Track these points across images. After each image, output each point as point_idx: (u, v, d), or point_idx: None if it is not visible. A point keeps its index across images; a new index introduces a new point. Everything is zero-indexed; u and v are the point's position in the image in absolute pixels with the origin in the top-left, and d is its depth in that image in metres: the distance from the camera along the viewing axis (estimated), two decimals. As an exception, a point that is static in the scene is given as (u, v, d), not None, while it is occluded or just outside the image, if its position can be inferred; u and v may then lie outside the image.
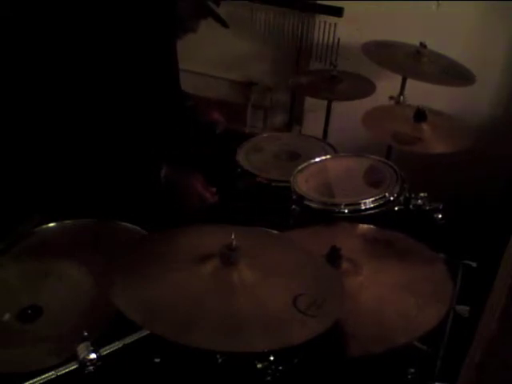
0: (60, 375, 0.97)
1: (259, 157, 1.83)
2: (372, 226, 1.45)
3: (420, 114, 1.75)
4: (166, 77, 1.73)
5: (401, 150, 1.74)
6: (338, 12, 2.37)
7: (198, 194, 1.57)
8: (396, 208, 1.49)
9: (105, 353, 1.00)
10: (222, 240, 1.05)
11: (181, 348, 0.92)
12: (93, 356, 0.98)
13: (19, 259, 1.27)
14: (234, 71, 2.77)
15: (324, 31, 2.47)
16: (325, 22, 2.45)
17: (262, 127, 2.78)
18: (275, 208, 1.59)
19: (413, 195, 1.52)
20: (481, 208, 2.22)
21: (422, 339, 1.23)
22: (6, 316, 1.12)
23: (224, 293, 1.01)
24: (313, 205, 1.49)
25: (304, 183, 1.56)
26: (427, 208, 1.51)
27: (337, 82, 2.17)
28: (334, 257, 1.26)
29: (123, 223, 1.38)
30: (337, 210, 1.46)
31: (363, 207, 1.45)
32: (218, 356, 1.13)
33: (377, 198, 1.47)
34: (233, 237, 1.04)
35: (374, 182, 1.55)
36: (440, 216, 1.50)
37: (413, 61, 2.04)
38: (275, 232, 1.31)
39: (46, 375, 0.97)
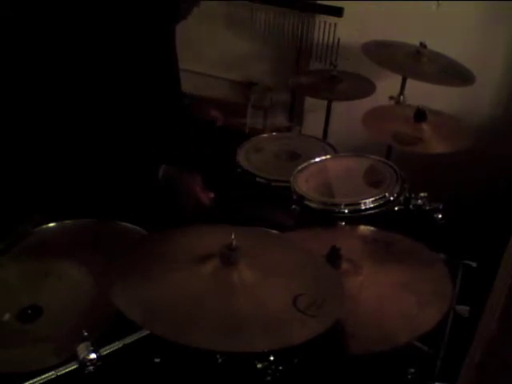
0: (60, 375, 0.97)
1: (259, 157, 1.82)
2: (371, 228, 1.45)
3: (420, 114, 1.75)
4: (165, 77, 1.73)
5: (401, 150, 1.75)
6: (337, 12, 2.37)
7: (195, 196, 1.55)
8: (396, 208, 1.49)
9: (105, 353, 1.00)
10: (221, 240, 1.05)
11: (181, 348, 0.92)
12: (93, 356, 0.98)
13: (19, 259, 1.27)
14: (234, 71, 2.77)
15: (324, 31, 2.47)
16: (325, 22, 2.45)
17: (262, 127, 2.78)
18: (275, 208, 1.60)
19: (413, 195, 1.52)
20: (481, 208, 2.22)
21: (422, 339, 1.23)
22: (6, 316, 1.12)
23: (224, 293, 1.01)
24: (313, 205, 1.48)
25: (304, 183, 1.56)
26: (427, 208, 1.51)
27: (337, 82, 2.17)
28: (333, 257, 1.26)
29: (123, 223, 1.38)
30: (337, 210, 1.46)
31: (363, 207, 1.45)
32: (218, 356, 1.13)
33: (377, 197, 1.47)
34: (233, 237, 1.04)
35: (374, 182, 1.55)
36: (440, 216, 1.49)
37: (413, 61, 2.04)
38: (275, 232, 1.31)
39: (46, 375, 0.97)
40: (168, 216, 1.52)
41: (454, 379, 1.01)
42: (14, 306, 1.14)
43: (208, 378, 1.16)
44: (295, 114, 2.73)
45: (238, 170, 1.75)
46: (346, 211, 1.45)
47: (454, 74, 2.04)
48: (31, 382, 0.96)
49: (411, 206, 1.51)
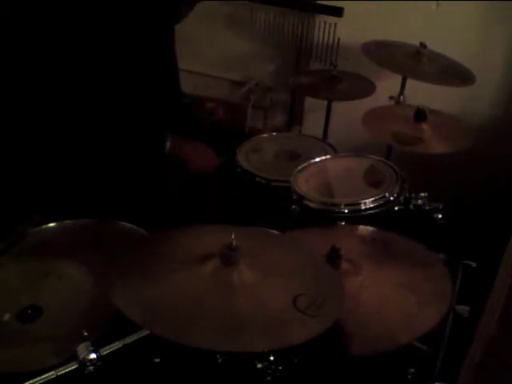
0: (60, 375, 0.97)
1: (259, 157, 1.83)
2: (371, 228, 1.45)
3: (420, 114, 1.75)
4: (165, 76, 1.73)
5: (401, 150, 1.75)
6: (337, 12, 2.38)
7: (201, 158, 1.61)
8: (396, 208, 1.49)
9: (105, 353, 1.00)
10: (222, 240, 1.05)
11: (181, 348, 0.92)
12: (93, 356, 0.98)
13: (19, 259, 1.27)
14: (234, 71, 2.77)
15: (324, 31, 2.47)
16: (325, 22, 2.45)
17: (262, 127, 2.78)
18: (275, 208, 1.59)
19: (413, 195, 1.52)
20: (481, 208, 2.22)
21: (422, 339, 1.23)
22: (6, 316, 1.12)
23: (224, 293, 1.01)
24: (313, 205, 1.49)
25: (304, 183, 1.56)
26: (427, 208, 1.51)
27: (337, 82, 2.17)
28: (333, 257, 1.26)
29: (123, 223, 1.38)
30: (337, 210, 1.46)
31: (363, 207, 1.46)
32: (218, 356, 1.13)
33: (377, 197, 1.47)
34: (233, 237, 1.04)
35: (373, 181, 1.56)
36: (440, 216, 1.50)
37: (413, 61, 2.04)
38: (275, 232, 1.31)
39: (46, 375, 0.97)
40: (169, 216, 1.52)
41: (454, 379, 1.01)
42: (14, 306, 1.14)
43: (208, 378, 1.16)
44: (295, 114, 2.73)
45: (238, 169, 1.75)
46: (346, 211, 1.45)
47: (454, 74, 2.04)
48: (31, 382, 0.96)
49: (411, 206, 1.51)
